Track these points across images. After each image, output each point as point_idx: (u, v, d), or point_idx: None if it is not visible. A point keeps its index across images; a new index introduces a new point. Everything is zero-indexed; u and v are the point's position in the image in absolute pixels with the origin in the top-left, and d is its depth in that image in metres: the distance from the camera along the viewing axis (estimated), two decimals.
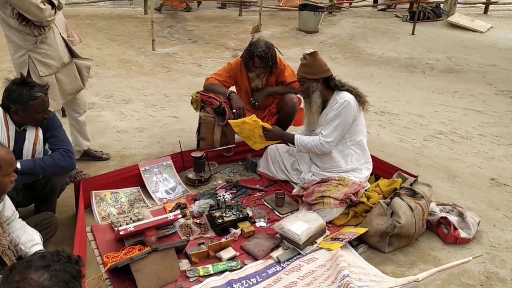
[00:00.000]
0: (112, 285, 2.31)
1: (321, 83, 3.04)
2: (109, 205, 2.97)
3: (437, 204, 2.96)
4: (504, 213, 3.08)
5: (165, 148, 3.92)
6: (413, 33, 9.79)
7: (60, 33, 3.06)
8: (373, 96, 5.89)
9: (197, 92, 3.64)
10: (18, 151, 2.43)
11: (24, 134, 2.45)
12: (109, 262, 2.43)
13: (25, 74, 2.81)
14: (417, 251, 2.68)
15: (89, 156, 3.59)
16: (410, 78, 7.03)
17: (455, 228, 2.74)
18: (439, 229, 2.80)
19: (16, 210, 2.40)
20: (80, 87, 3.22)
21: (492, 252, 2.65)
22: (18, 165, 2.31)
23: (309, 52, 2.99)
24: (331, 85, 3.04)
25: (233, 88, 3.76)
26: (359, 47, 9.06)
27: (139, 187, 3.19)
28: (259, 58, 3.45)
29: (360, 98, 2.99)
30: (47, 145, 2.55)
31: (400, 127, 4.78)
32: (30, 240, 2.16)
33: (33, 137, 2.46)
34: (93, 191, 2.97)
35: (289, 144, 3.34)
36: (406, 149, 4.15)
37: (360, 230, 2.67)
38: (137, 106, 5.05)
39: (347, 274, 1.91)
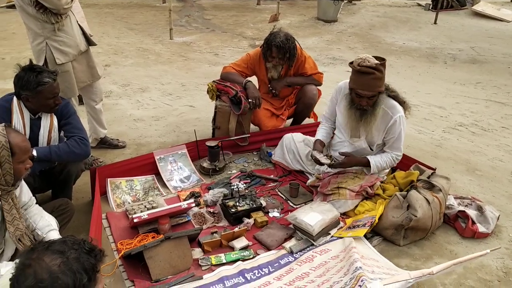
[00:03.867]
0: (126, 271, 2.33)
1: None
2: (124, 193, 3.00)
3: (455, 198, 2.88)
4: None
5: (180, 137, 3.93)
6: (435, 23, 9.55)
7: (77, 21, 3.07)
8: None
9: (213, 81, 3.63)
10: (34, 139, 2.46)
11: (39, 122, 2.47)
12: (123, 249, 2.46)
13: (42, 61, 2.85)
14: (433, 244, 2.63)
15: (106, 144, 3.63)
16: (431, 68, 6.87)
17: (473, 222, 2.67)
18: (457, 223, 2.73)
19: (33, 196, 2.45)
20: (96, 75, 3.24)
21: (511, 248, 2.58)
22: (34, 153, 2.34)
23: (377, 62, 2.59)
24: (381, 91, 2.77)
25: (251, 79, 3.73)
26: (379, 37, 8.89)
27: (154, 175, 3.21)
28: (277, 48, 3.41)
29: (405, 105, 2.86)
30: (62, 132, 2.58)
31: (419, 118, 4.67)
32: (47, 225, 2.19)
33: (48, 125, 2.49)
34: (108, 179, 3.00)
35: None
36: (424, 141, 4.06)
37: (376, 212, 2.63)
38: (153, 94, 5.08)
39: (360, 267, 1.88)
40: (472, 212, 2.72)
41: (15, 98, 2.41)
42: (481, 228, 2.64)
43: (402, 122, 2.80)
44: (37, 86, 2.31)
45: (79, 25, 3.09)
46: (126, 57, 6.62)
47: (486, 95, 5.54)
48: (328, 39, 8.71)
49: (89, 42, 3.19)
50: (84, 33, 3.13)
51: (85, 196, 3.01)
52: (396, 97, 2.83)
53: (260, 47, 3.56)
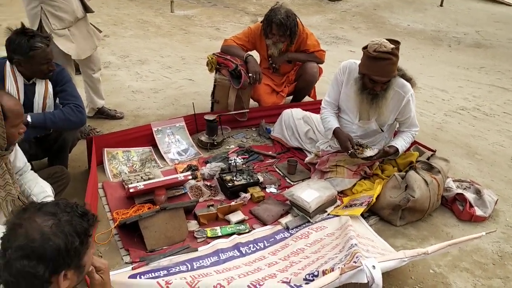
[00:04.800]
0: (121, 240, 2.32)
1: None
2: (121, 163, 2.97)
3: (453, 181, 2.87)
4: None
5: (179, 110, 3.88)
6: (441, 5, 9.38)
7: None
8: None
9: (213, 54, 3.56)
10: (28, 105, 2.41)
11: (34, 88, 2.41)
12: (118, 218, 2.44)
13: (36, 26, 2.76)
14: (429, 226, 2.62)
15: (103, 114, 3.58)
16: (435, 51, 6.77)
17: (471, 206, 2.66)
18: (454, 206, 2.72)
19: (29, 162, 2.42)
20: (95, 44, 3.16)
21: (508, 232, 2.58)
22: (29, 118, 2.30)
23: (391, 46, 2.48)
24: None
25: (253, 53, 3.64)
26: (384, 17, 8.74)
27: (151, 147, 3.17)
28: (277, 25, 3.33)
29: (412, 82, 2.78)
30: (58, 99, 2.52)
31: (420, 101, 4.62)
32: (42, 192, 2.17)
33: (43, 91, 2.43)
34: (105, 149, 2.97)
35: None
36: (425, 123, 4.02)
37: (374, 192, 2.61)
38: (153, 67, 4.99)
39: (355, 244, 1.87)
40: (470, 195, 2.70)
41: (8, 63, 2.35)
42: (478, 212, 2.63)
43: (413, 99, 2.75)
44: (29, 50, 2.24)
45: None
46: (125, 28, 6.49)
47: (490, 80, 5.48)
48: (331, 18, 8.56)
49: (86, 9, 3.09)
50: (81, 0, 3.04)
51: (82, 165, 2.98)
52: (404, 75, 2.75)
53: (261, 22, 3.47)
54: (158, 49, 5.66)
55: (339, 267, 1.60)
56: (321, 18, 8.50)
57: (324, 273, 1.65)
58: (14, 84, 2.37)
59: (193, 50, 5.75)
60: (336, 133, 2.82)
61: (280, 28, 3.34)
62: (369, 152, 2.75)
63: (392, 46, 2.50)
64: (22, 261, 1.08)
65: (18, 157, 2.16)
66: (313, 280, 1.67)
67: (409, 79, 2.76)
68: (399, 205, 2.54)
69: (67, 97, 2.49)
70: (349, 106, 2.90)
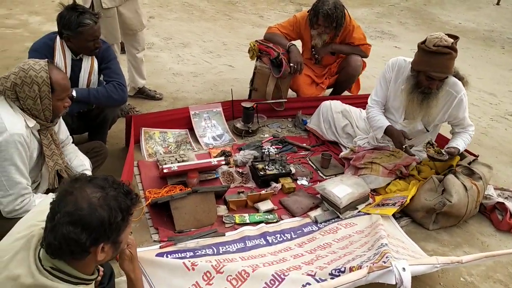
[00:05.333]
0: (151, 219, 2.38)
1: None
2: (157, 144, 3.03)
3: (495, 188, 2.75)
4: None
5: (217, 95, 3.90)
6: (498, 3, 8.89)
7: None
8: None
9: (255, 41, 3.54)
10: (74, 80, 2.49)
11: (80, 63, 2.49)
12: (150, 197, 2.50)
13: (89, 4, 2.84)
14: (464, 233, 2.53)
15: (143, 94, 3.66)
16: (486, 52, 6.44)
17: (511, 216, 2.54)
18: (493, 215, 2.61)
19: (71, 136, 2.52)
20: (141, 23, 3.22)
21: None
22: (74, 93, 2.38)
23: (451, 40, 2.40)
24: None
25: (296, 43, 3.60)
26: (434, 14, 8.38)
27: (187, 130, 3.21)
28: (323, 16, 3.26)
29: (464, 82, 2.69)
30: (102, 76, 2.60)
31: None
32: (81, 165, 2.25)
33: (89, 67, 2.51)
34: (143, 128, 3.03)
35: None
36: None
37: (408, 193, 2.54)
38: (194, 50, 5.04)
39: (386, 243, 1.83)
40: (511, 205, 2.58)
41: (58, 37, 2.43)
42: None
43: (466, 99, 2.64)
44: (77, 26, 2.31)
45: None
46: (170, 11, 6.57)
47: None
48: (378, 12, 8.30)
49: None
50: None
51: (119, 142, 3.06)
52: (457, 74, 2.65)
53: (308, 12, 3.41)
54: (200, 33, 5.70)
55: (367, 265, 1.57)
56: (367, 11, 8.26)
57: (351, 269, 1.63)
58: (62, 58, 2.45)
59: (235, 36, 5.75)
60: (389, 131, 2.74)
61: (326, 19, 3.27)
62: (442, 157, 2.55)
63: (452, 40, 2.41)
64: (68, 227, 1.13)
65: (62, 130, 2.24)
66: (339, 275, 1.65)
67: (461, 78, 2.65)
68: (434, 208, 2.47)
69: (111, 75, 2.56)
70: (394, 105, 2.81)
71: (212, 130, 3.24)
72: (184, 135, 3.16)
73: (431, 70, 2.45)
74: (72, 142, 2.34)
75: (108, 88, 2.49)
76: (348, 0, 8.77)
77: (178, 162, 2.79)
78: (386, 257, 1.61)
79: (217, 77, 4.34)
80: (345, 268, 1.68)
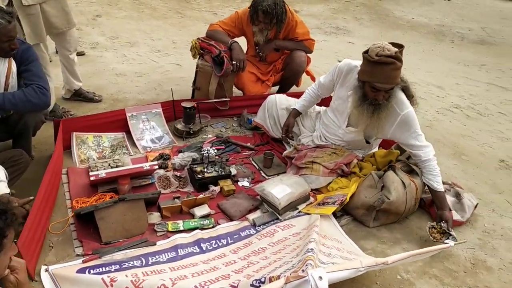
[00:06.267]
0: (76, 230, 2.23)
1: None
2: (90, 149, 2.86)
3: None
4: (506, 198, 2.85)
5: (160, 96, 3.76)
6: None
7: None
8: None
9: (197, 38, 3.42)
10: None
11: None
12: (77, 206, 2.34)
13: (6, 1, 2.64)
14: (404, 228, 2.51)
15: (80, 96, 3.47)
16: (436, 46, 6.56)
17: (449, 209, 2.54)
18: (432, 209, 2.60)
19: None
20: (71, 22, 3.03)
21: (484, 239, 2.45)
22: None
23: (394, 49, 2.28)
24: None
25: (239, 40, 3.49)
26: (388, 9, 8.50)
27: (124, 133, 3.06)
28: (263, 12, 3.18)
29: (413, 100, 2.53)
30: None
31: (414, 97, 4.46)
32: None
33: (5, 70, 2.31)
34: (74, 132, 2.86)
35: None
36: None
37: (348, 191, 2.49)
38: (141, 50, 4.86)
39: (312, 248, 1.75)
40: (449, 199, 2.57)
41: None
42: (455, 216, 2.50)
43: (413, 117, 2.47)
44: None
45: None
46: (119, 9, 6.34)
47: (489, 78, 5.29)
48: (334, 8, 8.33)
49: None
50: None
51: (49, 149, 2.87)
52: (406, 89, 2.51)
53: (249, 8, 3.32)
54: (149, 32, 5.52)
55: (284, 276, 1.49)
56: (323, 7, 8.28)
57: (270, 280, 1.55)
58: None
59: (186, 34, 5.59)
60: (292, 114, 2.97)
61: (266, 15, 3.19)
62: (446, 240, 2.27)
63: (395, 49, 2.31)
64: None
65: None
66: (259, 286, 1.57)
67: (410, 96, 2.53)
68: (374, 205, 2.43)
69: (31, 78, 2.37)
70: (339, 108, 2.74)
71: (151, 132, 3.09)
72: (121, 139, 3.01)
73: (375, 80, 2.36)
74: None
75: (26, 92, 2.30)
76: None
77: (112, 167, 2.64)
78: (306, 265, 1.54)
79: (162, 76, 4.19)
80: (265, 278, 1.59)
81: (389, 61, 2.28)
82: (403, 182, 2.46)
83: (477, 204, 2.63)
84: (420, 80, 4.99)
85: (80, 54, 4.40)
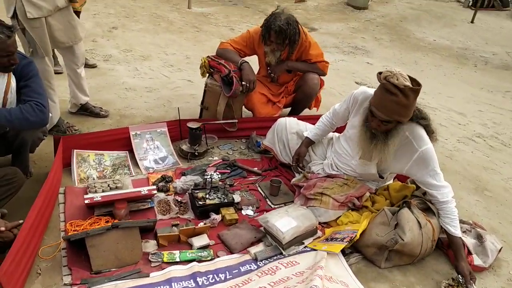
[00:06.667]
0: (67, 256, 2.09)
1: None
2: (91, 167, 2.75)
3: None
4: None
5: (169, 113, 3.65)
6: (472, 21, 8.91)
7: None
8: None
9: (207, 57, 3.31)
10: None
11: None
12: (70, 230, 2.22)
13: (11, 13, 2.58)
14: (418, 271, 2.30)
15: (87, 111, 3.38)
16: (458, 70, 6.36)
17: (469, 253, 2.33)
18: (450, 251, 2.39)
19: None
20: (78, 36, 2.96)
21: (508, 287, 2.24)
22: None
23: (408, 84, 2.09)
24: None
25: (251, 59, 3.37)
26: (409, 30, 8.34)
27: (127, 152, 2.95)
28: (275, 32, 3.06)
29: (432, 136, 2.35)
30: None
31: (434, 123, 4.25)
32: None
33: (4, 85, 2.22)
34: (75, 150, 2.76)
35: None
36: (434, 149, 3.67)
37: (359, 227, 2.32)
38: (154, 64, 4.79)
39: None
40: (469, 241, 2.37)
41: None
42: (476, 261, 2.30)
43: (432, 154, 2.30)
44: None
45: None
46: (136, 22, 6.33)
47: None
48: (353, 27, 8.22)
49: None
50: None
51: (49, 165, 2.74)
52: (427, 126, 2.33)
53: (261, 26, 3.20)
54: (164, 46, 5.47)
55: None
56: (342, 26, 8.17)
57: None
58: None
59: (200, 49, 5.52)
60: (304, 143, 2.83)
61: (278, 35, 3.07)
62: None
63: (406, 83, 2.10)
64: None
65: None
66: None
67: (431, 132, 2.35)
68: (386, 245, 2.24)
69: (30, 94, 2.28)
70: (353, 138, 2.56)
71: (155, 152, 2.97)
72: (123, 158, 2.90)
73: (373, 103, 2.22)
74: None
75: (23, 109, 2.21)
76: (325, 15, 8.71)
77: (111, 188, 2.52)
78: None
79: (172, 92, 4.10)
80: None
81: (392, 90, 2.10)
82: (419, 222, 2.27)
83: (501, 248, 2.41)
84: (440, 105, 4.79)
85: (92, 66, 4.36)
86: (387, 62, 6.32)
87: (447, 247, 2.43)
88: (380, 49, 7.06)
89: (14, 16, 2.60)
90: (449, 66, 6.49)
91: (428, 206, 2.38)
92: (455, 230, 2.25)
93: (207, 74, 3.30)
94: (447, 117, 4.52)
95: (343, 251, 2.28)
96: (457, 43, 7.74)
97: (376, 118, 2.24)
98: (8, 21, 2.37)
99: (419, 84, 2.14)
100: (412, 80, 2.16)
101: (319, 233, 2.44)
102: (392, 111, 2.15)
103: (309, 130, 2.84)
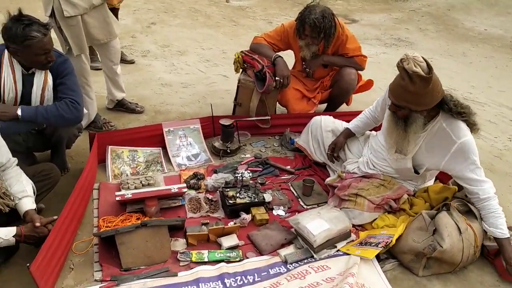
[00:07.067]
0: (98, 252, 2.13)
1: (428, 110, 2.16)
2: (125, 163, 2.79)
3: None
4: None
5: (203, 109, 3.64)
6: None
7: None
8: (458, 78, 5.05)
9: (241, 52, 3.26)
10: (26, 96, 2.29)
11: (32, 78, 2.27)
12: (103, 226, 2.26)
13: (49, 12, 2.64)
14: (461, 281, 2.15)
15: (123, 107, 3.44)
16: (511, 62, 5.93)
17: None
18: (497, 260, 2.21)
19: (32, 153, 2.25)
20: (113, 33, 2.99)
21: None
22: (19, 112, 2.18)
23: (417, 71, 1.95)
24: (443, 108, 2.17)
25: (286, 53, 3.29)
26: (457, 19, 7.87)
27: (160, 148, 2.96)
28: (310, 26, 2.95)
29: (474, 129, 2.20)
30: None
31: (482, 119, 3.98)
32: (21, 191, 2.04)
33: (42, 82, 2.28)
34: (109, 146, 2.80)
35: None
36: (482, 148, 3.43)
37: (395, 231, 2.20)
38: (190, 59, 4.80)
39: None
40: None
41: (6, 51, 2.22)
42: None
43: (472, 146, 2.13)
44: (24, 40, 2.08)
45: None
46: (174, 17, 6.38)
47: None
48: (397, 17, 7.86)
49: None
50: None
51: (85, 161, 2.81)
52: (467, 118, 2.15)
53: (296, 20, 3.10)
54: (201, 40, 5.47)
55: None
56: (385, 17, 7.84)
57: None
58: (11, 73, 2.24)
59: (237, 43, 5.48)
60: (343, 134, 2.77)
61: (313, 29, 2.96)
62: None
63: (417, 70, 1.95)
64: None
65: (2, 153, 2.04)
66: None
67: (471, 124, 2.18)
68: (423, 252, 2.11)
69: (65, 91, 2.33)
70: (386, 130, 2.42)
71: (188, 149, 2.97)
72: (156, 154, 2.91)
73: (389, 86, 2.18)
74: (17, 165, 2.13)
75: (59, 107, 2.26)
76: (366, 5, 8.41)
77: (143, 185, 2.55)
78: None
79: (208, 88, 4.09)
80: None
81: (401, 74, 2.05)
82: (458, 227, 2.11)
83: None
84: (490, 100, 4.48)
85: (130, 62, 4.43)
86: (432, 54, 5.99)
87: (493, 256, 2.25)
88: (425, 40, 6.71)
89: (52, 15, 2.66)
90: (502, 58, 6.05)
91: (470, 209, 2.21)
92: (502, 231, 2.08)
93: (241, 70, 3.24)
94: (498, 113, 4.22)
95: (377, 256, 2.17)
96: (511, 33, 7.22)
97: (391, 103, 2.20)
98: (46, 20, 2.42)
99: (430, 73, 1.98)
100: (430, 68, 2.00)
101: (353, 236, 2.33)
102: (399, 96, 2.10)
103: (353, 122, 2.75)
